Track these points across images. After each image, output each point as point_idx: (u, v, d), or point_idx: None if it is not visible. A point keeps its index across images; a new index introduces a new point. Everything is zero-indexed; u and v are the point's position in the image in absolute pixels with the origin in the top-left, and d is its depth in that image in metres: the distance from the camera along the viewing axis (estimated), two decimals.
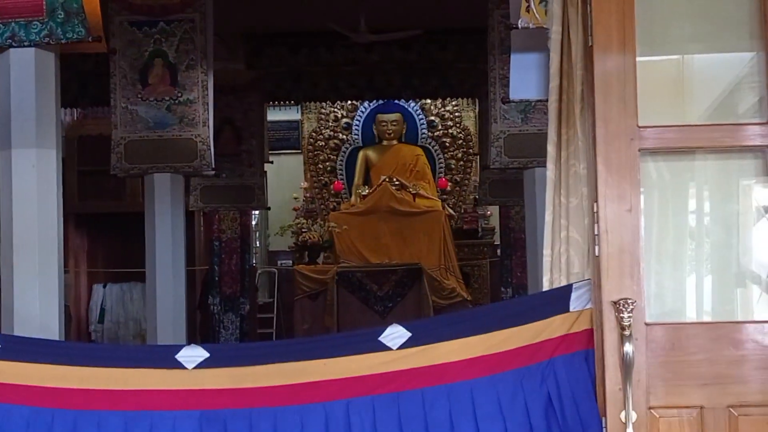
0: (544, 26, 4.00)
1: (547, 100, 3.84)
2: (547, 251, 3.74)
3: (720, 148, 3.63)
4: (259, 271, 14.26)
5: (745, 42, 3.65)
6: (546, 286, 3.76)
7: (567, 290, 3.67)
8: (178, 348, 3.64)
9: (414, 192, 13.78)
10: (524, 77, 4.74)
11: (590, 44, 3.58)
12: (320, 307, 12.09)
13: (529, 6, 4.24)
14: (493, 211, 14.03)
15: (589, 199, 3.65)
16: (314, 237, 13.06)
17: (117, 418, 3.52)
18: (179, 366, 3.59)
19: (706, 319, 3.71)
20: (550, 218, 3.73)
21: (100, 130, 12.90)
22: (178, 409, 3.54)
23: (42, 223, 5.39)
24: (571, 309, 3.65)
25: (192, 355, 3.60)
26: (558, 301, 3.67)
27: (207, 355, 3.60)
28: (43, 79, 5.42)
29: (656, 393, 3.50)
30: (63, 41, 5.16)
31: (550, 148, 3.73)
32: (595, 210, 3.57)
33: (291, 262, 14.28)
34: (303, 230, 13.43)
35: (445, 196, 14.80)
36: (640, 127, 3.55)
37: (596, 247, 3.57)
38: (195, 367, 3.59)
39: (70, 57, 7.06)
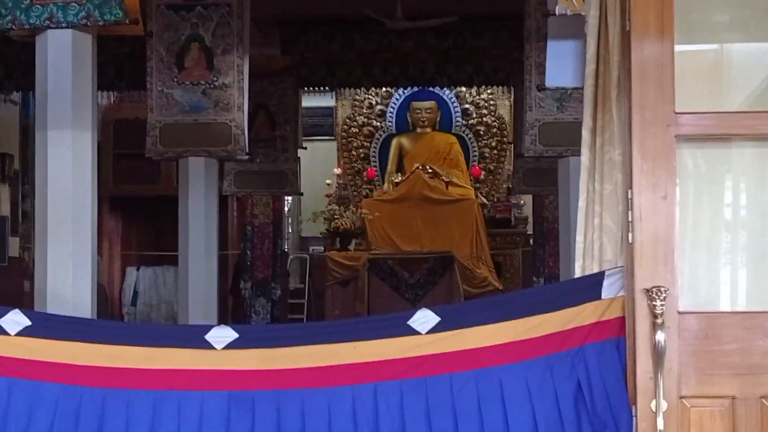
0: (581, 12, 3.97)
1: (583, 88, 3.80)
2: (579, 238, 3.71)
3: (758, 136, 3.59)
4: (290, 257, 14.31)
5: None
6: (578, 273, 3.73)
7: (599, 277, 3.65)
8: (208, 328, 3.64)
9: (447, 180, 13.74)
10: (560, 64, 4.71)
11: (628, 29, 3.56)
12: (351, 293, 12.09)
13: None
14: (527, 200, 13.98)
15: (624, 185, 3.62)
16: (346, 223, 13.08)
17: (145, 397, 3.53)
18: (208, 346, 3.59)
19: (741, 308, 3.66)
20: (584, 204, 3.70)
21: (135, 114, 12.98)
22: (206, 389, 3.54)
23: (76, 205, 5.41)
24: (603, 296, 3.63)
25: (221, 335, 3.60)
26: (590, 288, 3.64)
27: (236, 335, 3.61)
28: (80, 61, 5.45)
29: (688, 382, 3.47)
30: (100, 23, 5.20)
31: (585, 134, 3.70)
32: (629, 197, 3.54)
33: (323, 248, 14.32)
34: (335, 217, 13.46)
35: (478, 185, 14.75)
36: (676, 114, 3.52)
37: (630, 235, 3.54)
38: (224, 348, 3.59)
39: (107, 40, 7.11)
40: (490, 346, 3.62)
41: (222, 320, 9.84)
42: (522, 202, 14.60)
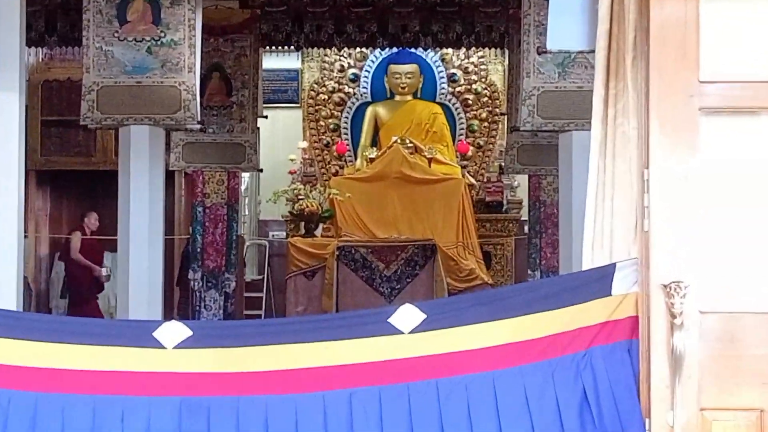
0: None
1: (589, 52, 3.82)
2: (588, 224, 3.73)
3: None
4: (247, 243, 14.29)
5: None
6: (585, 265, 3.75)
7: (609, 270, 3.67)
8: (157, 324, 3.64)
9: (430, 156, 13.77)
10: (565, 24, 4.69)
11: None
12: (317, 286, 12.10)
13: None
14: (522, 181, 14.01)
15: (639, 164, 3.63)
16: (312, 205, 13.02)
17: (84, 402, 3.51)
18: (157, 345, 3.58)
19: None
20: (594, 186, 3.72)
21: (68, 75, 12.91)
22: (154, 394, 3.54)
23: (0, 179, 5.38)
24: (613, 292, 3.65)
25: (172, 332, 3.60)
26: (598, 282, 3.66)
27: (189, 333, 3.60)
28: (6, 13, 5.40)
29: (709, 392, 3.49)
30: None
31: (596, 103, 3.72)
32: (645, 177, 3.56)
33: (284, 233, 14.30)
34: (300, 197, 13.39)
35: (465, 162, 14.78)
36: (701, 82, 3.54)
37: (645, 221, 3.55)
38: (175, 347, 3.59)
39: None
40: (483, 349, 3.63)
41: (167, 316, 9.82)
42: (516, 183, 14.63)
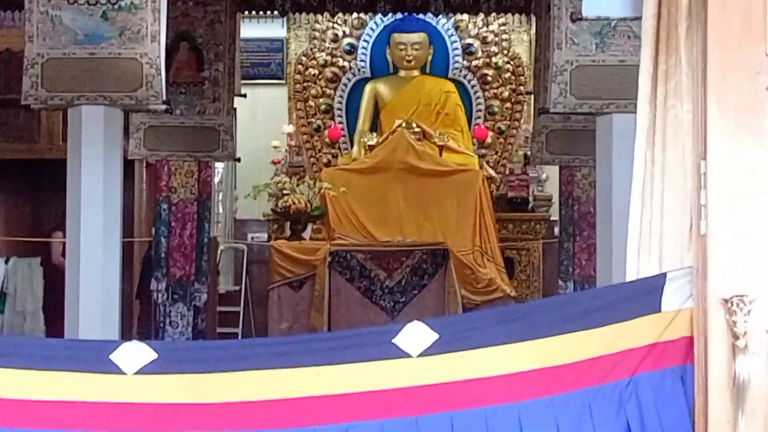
0: None
1: (633, 19, 3.81)
2: (633, 226, 3.73)
3: None
4: (221, 247, 14.31)
5: None
6: (629, 276, 3.75)
7: (659, 281, 3.67)
8: (114, 345, 3.63)
9: (441, 143, 13.78)
10: None
11: None
12: (305, 299, 12.14)
13: None
14: (551, 173, 14.03)
15: (695, 154, 3.63)
16: (300, 202, 13.05)
17: None
18: (115, 370, 3.58)
19: None
20: (640, 180, 3.72)
21: (7, 45, 12.90)
22: (112, 428, 3.54)
23: None
24: (663, 308, 3.65)
25: (133, 355, 3.60)
26: (645, 296, 3.66)
27: (154, 356, 3.60)
28: None
29: None
30: None
31: (643, 82, 3.72)
32: (702, 170, 3.55)
33: (266, 235, 14.29)
34: (285, 192, 13.41)
35: (484, 151, 14.82)
36: None
37: (702, 222, 3.55)
38: (137, 372, 3.58)
39: None
40: (507, 375, 3.64)
41: (126, 335, 9.81)
42: (544, 175, 14.66)
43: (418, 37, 14.81)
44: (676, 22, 3.71)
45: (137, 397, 3.57)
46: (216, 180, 14.38)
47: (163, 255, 12.35)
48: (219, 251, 13.93)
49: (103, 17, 8.21)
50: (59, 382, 3.57)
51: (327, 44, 15.20)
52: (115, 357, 3.60)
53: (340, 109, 15.15)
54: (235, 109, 12.04)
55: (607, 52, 8.36)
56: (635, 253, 3.75)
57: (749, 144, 3.53)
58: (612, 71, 8.24)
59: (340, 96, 15.18)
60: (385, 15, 14.15)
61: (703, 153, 3.56)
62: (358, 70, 15.16)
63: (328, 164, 14.59)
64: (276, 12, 13.00)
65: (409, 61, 14.85)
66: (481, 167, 13.96)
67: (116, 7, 8.20)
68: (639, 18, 3.87)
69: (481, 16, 14.46)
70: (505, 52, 15.20)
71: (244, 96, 12.85)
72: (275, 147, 15.01)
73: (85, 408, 3.56)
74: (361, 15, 14.51)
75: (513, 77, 15.18)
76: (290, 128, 15.10)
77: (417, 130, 13.97)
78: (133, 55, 8.22)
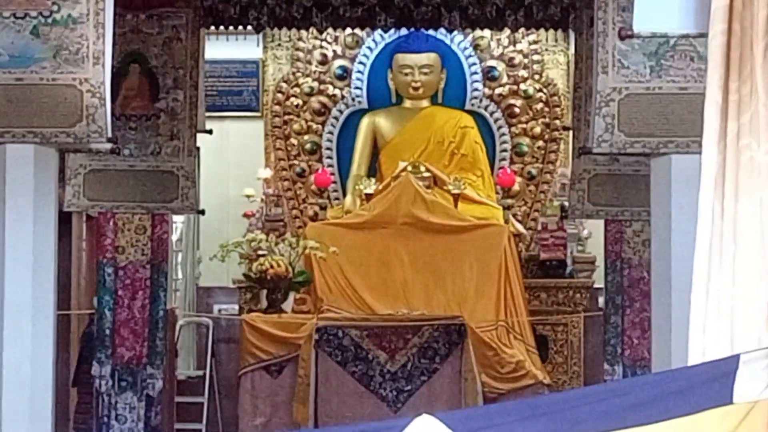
0: None
1: (698, 36, 3.82)
2: (697, 295, 3.72)
3: None
4: (180, 322, 14.29)
5: None
6: (693, 358, 3.73)
7: (730, 366, 3.64)
8: None
9: (456, 192, 13.80)
10: None
11: None
12: (286, 388, 12.18)
13: None
14: (595, 229, 14.03)
15: None
16: (279, 265, 13.07)
17: None
18: None
19: None
20: (706, 237, 3.72)
21: None
22: None
23: None
24: (735, 399, 3.63)
25: None
26: (713, 383, 3.64)
27: None
28: None
29: None
30: None
31: (710, 115, 3.72)
32: None
33: (237, 308, 14.28)
34: (260, 253, 13.44)
35: (510, 201, 14.84)
36: None
37: None
38: None
39: None
40: None
41: (60, 431, 9.77)
42: (586, 232, 14.69)
43: (428, 58, 14.85)
44: (751, 40, 3.74)
45: None
46: (174, 238, 14.43)
47: (107, 332, 12.35)
48: (178, 327, 13.91)
49: (33, 33, 8.24)
50: None
51: (313, 67, 15.24)
52: None
53: (329, 149, 15.18)
54: (198, 149, 12.07)
55: (664, 78, 8.38)
56: (700, 330, 3.75)
57: None
58: (671, 101, 8.27)
59: (330, 132, 15.21)
60: (386, 31, 14.19)
61: None
62: (353, 99, 15.19)
63: (314, 218, 14.59)
64: (249, 27, 13.06)
65: (416, 89, 14.87)
66: (506, 221, 13.99)
67: (50, 21, 8.22)
68: (704, 35, 3.89)
69: (507, 32, 14.51)
70: (537, 77, 15.23)
71: (210, 132, 12.92)
72: (248, 196, 15.04)
73: None
74: (357, 31, 14.52)
75: (546, 109, 15.21)
76: (267, 173, 15.12)
77: (426, 175, 14.00)
78: (70, 81, 8.25)
